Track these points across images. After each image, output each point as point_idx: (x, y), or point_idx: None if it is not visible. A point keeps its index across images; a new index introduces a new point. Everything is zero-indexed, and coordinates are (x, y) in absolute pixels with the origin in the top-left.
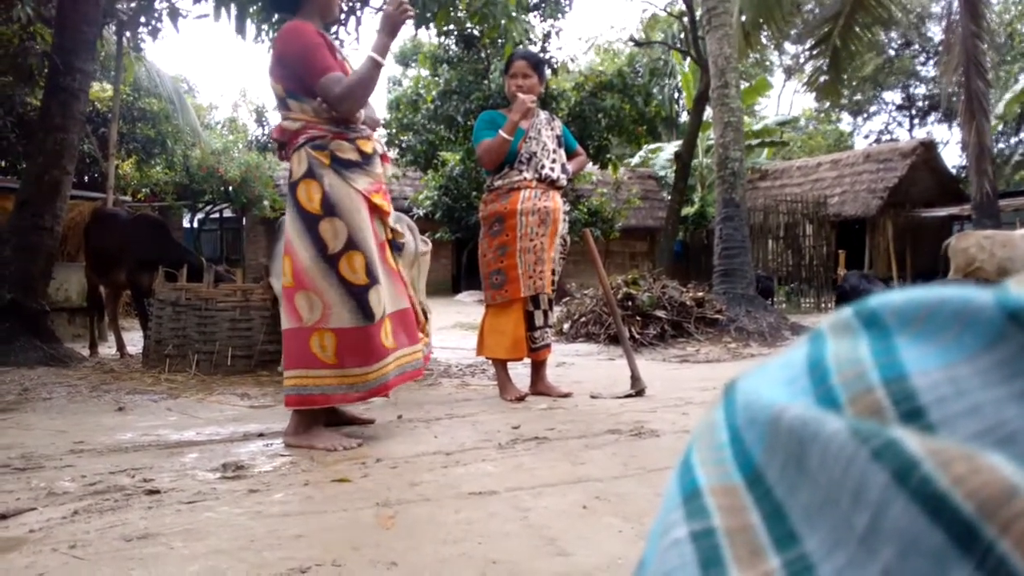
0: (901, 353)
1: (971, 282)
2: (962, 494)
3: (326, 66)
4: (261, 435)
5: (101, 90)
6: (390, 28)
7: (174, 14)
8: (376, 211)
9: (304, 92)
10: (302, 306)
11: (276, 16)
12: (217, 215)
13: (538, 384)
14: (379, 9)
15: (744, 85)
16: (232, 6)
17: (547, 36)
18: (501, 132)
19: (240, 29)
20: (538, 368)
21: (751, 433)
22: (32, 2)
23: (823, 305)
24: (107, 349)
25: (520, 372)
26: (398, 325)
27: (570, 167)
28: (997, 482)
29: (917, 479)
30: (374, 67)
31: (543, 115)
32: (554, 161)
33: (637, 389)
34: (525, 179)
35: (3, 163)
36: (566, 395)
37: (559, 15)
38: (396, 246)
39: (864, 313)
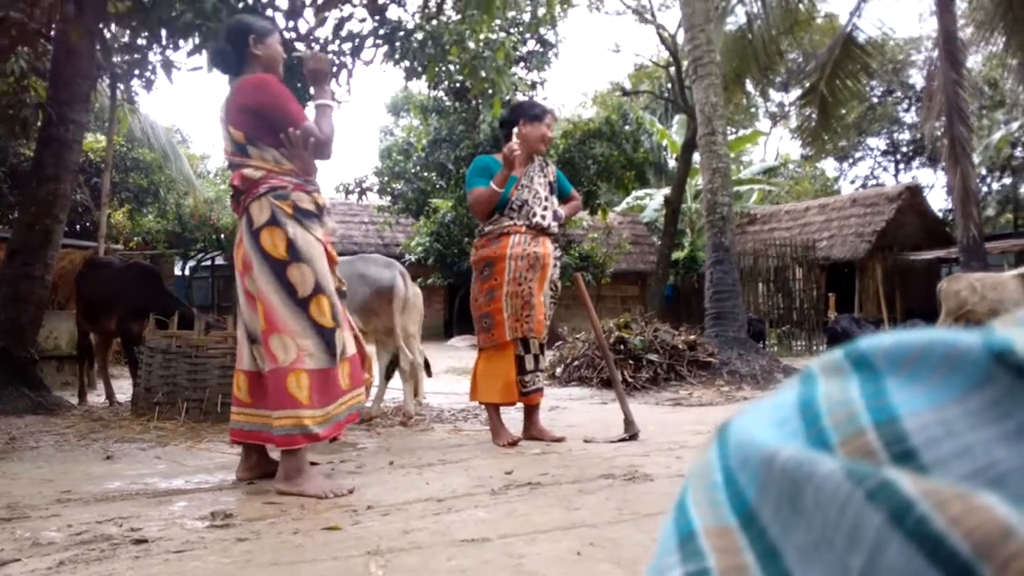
0: (891, 395)
1: (963, 325)
2: (959, 534)
3: (301, 114)
4: (251, 482)
5: (95, 141)
6: (322, 77)
7: (168, 66)
8: (330, 260)
9: (267, 140)
10: (277, 348)
11: None
12: (209, 263)
13: (531, 429)
14: (302, 65)
15: (739, 133)
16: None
17: (533, 86)
18: (492, 184)
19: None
20: (531, 413)
21: (744, 474)
22: (27, 55)
23: (815, 348)
24: (96, 397)
25: (513, 417)
26: (353, 368)
27: (563, 211)
28: (993, 522)
29: (914, 519)
30: (331, 113)
31: (536, 162)
32: (545, 208)
33: (630, 433)
34: (515, 224)
35: None
36: (559, 440)
37: (545, 66)
38: (341, 293)
39: (854, 355)
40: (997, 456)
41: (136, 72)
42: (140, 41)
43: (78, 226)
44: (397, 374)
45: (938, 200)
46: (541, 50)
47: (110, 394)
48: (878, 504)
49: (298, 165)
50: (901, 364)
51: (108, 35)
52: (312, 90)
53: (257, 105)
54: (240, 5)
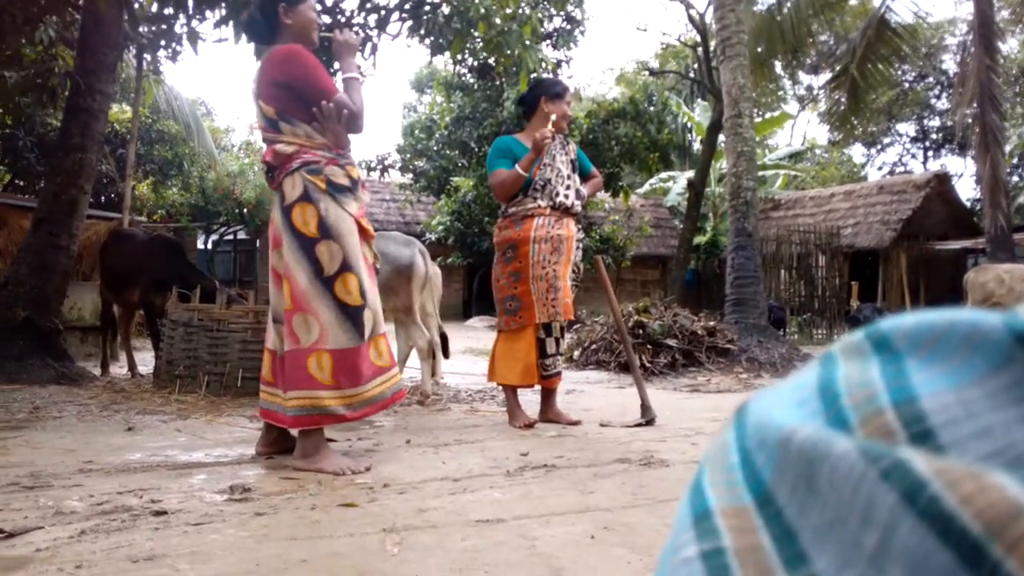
0: (911, 376)
1: None
2: (970, 514)
3: (333, 86)
4: (269, 457)
5: (120, 111)
6: (350, 51)
7: (193, 37)
8: (364, 234)
9: (298, 115)
10: (300, 327)
11: None
12: (231, 237)
13: (547, 411)
14: (330, 40)
15: (766, 116)
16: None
17: (559, 64)
18: (518, 168)
19: (259, 53)
20: (548, 395)
21: (761, 455)
22: (55, 24)
23: (836, 336)
24: (119, 368)
25: (530, 399)
26: (386, 346)
27: (585, 190)
28: (1004, 502)
29: (925, 499)
30: (361, 85)
31: (558, 140)
32: (568, 188)
33: (647, 418)
34: (539, 206)
35: (22, 182)
36: (575, 423)
37: (571, 44)
38: (375, 270)
39: (875, 336)
40: (1016, 437)
41: (162, 43)
42: (167, 11)
43: (103, 197)
44: (415, 353)
45: (967, 189)
46: (568, 27)
47: (132, 366)
48: (891, 483)
49: (331, 139)
50: (922, 345)
51: (136, 5)
52: (339, 64)
53: (287, 78)
54: None
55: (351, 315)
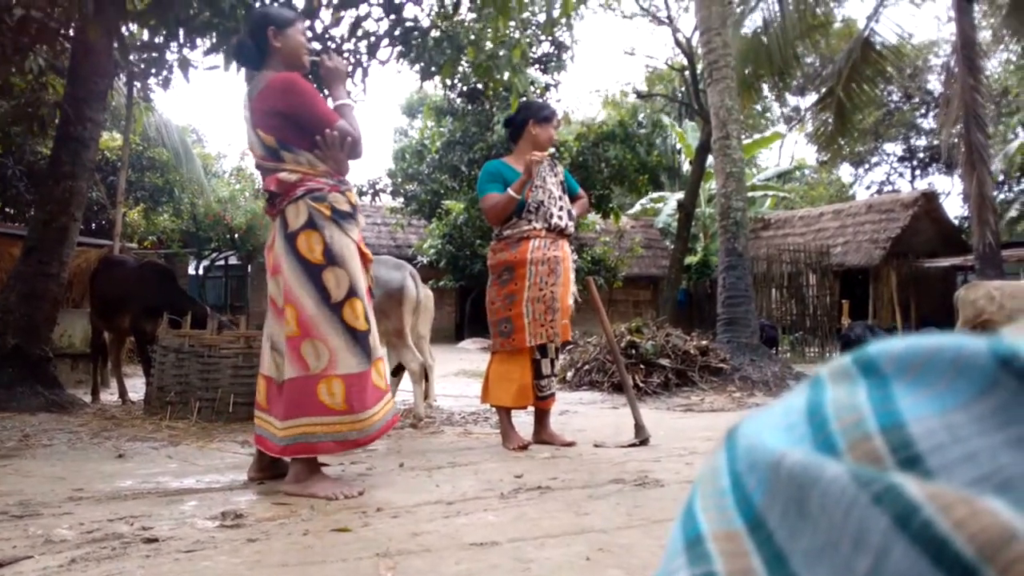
0: (898, 400)
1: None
2: (963, 538)
3: (333, 114)
4: (261, 482)
5: (111, 139)
6: (339, 78)
7: (184, 65)
8: (363, 259)
9: (299, 143)
10: (308, 354)
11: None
12: (222, 262)
13: (541, 433)
14: (318, 66)
15: (756, 137)
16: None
17: (547, 88)
18: (510, 191)
19: (250, 78)
20: (542, 417)
21: (752, 478)
22: (45, 53)
23: (828, 355)
24: (109, 395)
25: (523, 420)
26: (384, 369)
27: (575, 211)
28: (997, 526)
29: (918, 523)
30: (354, 111)
31: (546, 161)
32: (561, 208)
33: (641, 438)
34: (535, 228)
35: (12, 211)
36: (570, 444)
37: (560, 69)
38: (371, 293)
39: (862, 360)
40: (1002, 462)
41: (153, 70)
42: (157, 39)
43: (94, 224)
44: (407, 376)
45: (954, 207)
46: (556, 52)
47: (123, 392)
48: (883, 507)
49: (332, 166)
50: (909, 369)
51: (126, 33)
52: (329, 91)
53: (287, 108)
54: (256, 4)
55: (359, 340)
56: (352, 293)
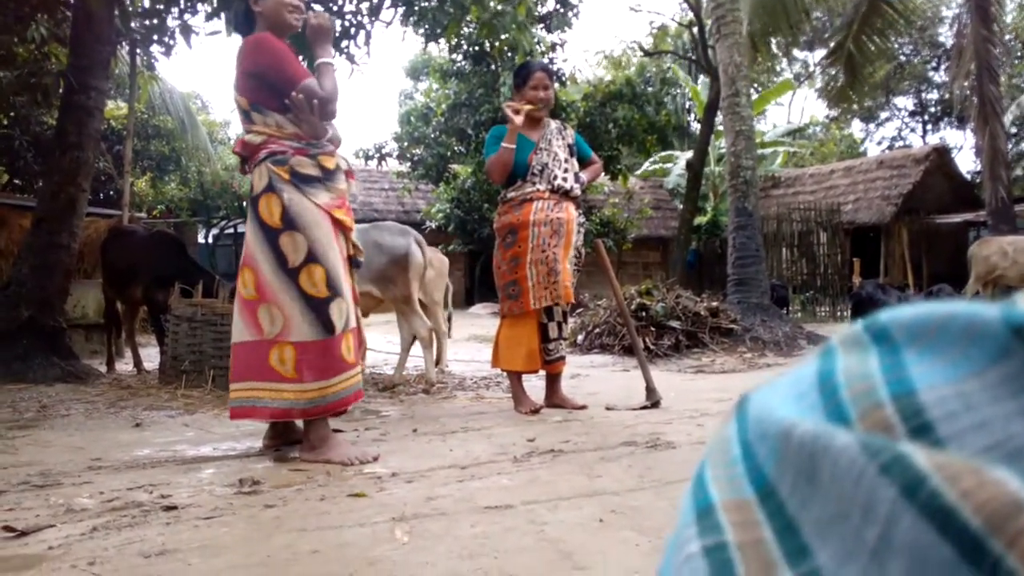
0: (910, 368)
1: (993, 289)
2: (970, 508)
3: (302, 72)
4: (277, 449)
5: (116, 108)
6: (324, 35)
7: (186, 31)
8: (339, 226)
9: (269, 104)
10: (263, 318)
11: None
12: (232, 230)
13: (553, 396)
14: (306, 25)
15: (764, 91)
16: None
17: (553, 47)
18: (503, 143)
19: None
20: (553, 380)
21: (762, 448)
22: (47, 22)
23: (839, 314)
24: (124, 365)
25: (535, 384)
26: (354, 342)
27: (584, 176)
28: (1004, 496)
29: (925, 494)
30: (334, 71)
31: (554, 125)
32: (566, 171)
33: (652, 401)
34: (538, 190)
35: (20, 182)
36: (581, 407)
37: (566, 27)
38: (355, 263)
39: (874, 328)
40: (1014, 430)
41: (155, 37)
42: (159, 6)
43: (101, 194)
44: (417, 342)
45: (967, 162)
46: (561, 10)
47: (138, 362)
48: (891, 477)
49: (306, 130)
50: (920, 337)
51: (127, 0)
52: (312, 50)
53: (255, 67)
54: None
55: (316, 307)
56: (311, 259)
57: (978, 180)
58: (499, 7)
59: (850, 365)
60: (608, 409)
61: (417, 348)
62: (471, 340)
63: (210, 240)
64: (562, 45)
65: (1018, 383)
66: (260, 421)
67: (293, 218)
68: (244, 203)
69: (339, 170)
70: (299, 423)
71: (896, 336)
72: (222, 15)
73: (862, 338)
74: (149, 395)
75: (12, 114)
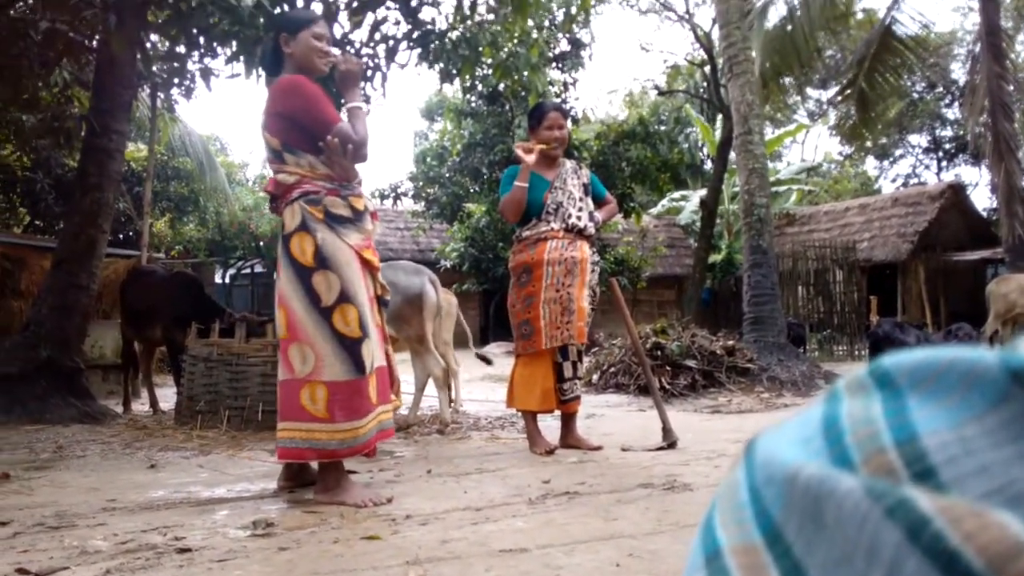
0: (912, 414)
1: (1012, 327)
2: (973, 550)
3: (335, 116)
4: (291, 491)
5: (136, 150)
6: (353, 80)
7: (206, 74)
8: (367, 266)
9: (302, 146)
10: (295, 357)
11: None
12: (249, 270)
13: (568, 437)
14: (333, 69)
15: (779, 131)
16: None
17: (566, 87)
18: (516, 182)
19: (269, 85)
20: (568, 420)
21: (769, 492)
22: (70, 67)
23: (856, 352)
24: (140, 406)
25: (550, 424)
26: (380, 382)
27: (599, 215)
28: (1006, 539)
29: (929, 536)
30: (365, 115)
31: (569, 165)
32: (580, 210)
33: (669, 441)
34: (552, 229)
35: (41, 223)
36: (597, 448)
37: (579, 67)
38: (383, 302)
39: (878, 373)
40: (1014, 475)
41: (176, 80)
42: (179, 49)
43: (121, 235)
44: (431, 382)
45: (982, 199)
46: (574, 50)
47: (154, 403)
48: (896, 520)
49: (338, 172)
50: (923, 382)
51: (148, 45)
52: (341, 93)
53: (289, 110)
54: (277, 11)
55: (349, 347)
56: (344, 299)
57: (994, 217)
58: (513, 49)
59: (854, 410)
60: (624, 450)
61: (432, 388)
62: (485, 379)
63: (227, 280)
64: (574, 84)
65: (1017, 428)
66: (308, 461)
67: (327, 257)
68: (261, 243)
69: (367, 211)
70: (314, 464)
71: (899, 381)
72: (241, 58)
73: (866, 383)
74: (164, 436)
75: (35, 157)
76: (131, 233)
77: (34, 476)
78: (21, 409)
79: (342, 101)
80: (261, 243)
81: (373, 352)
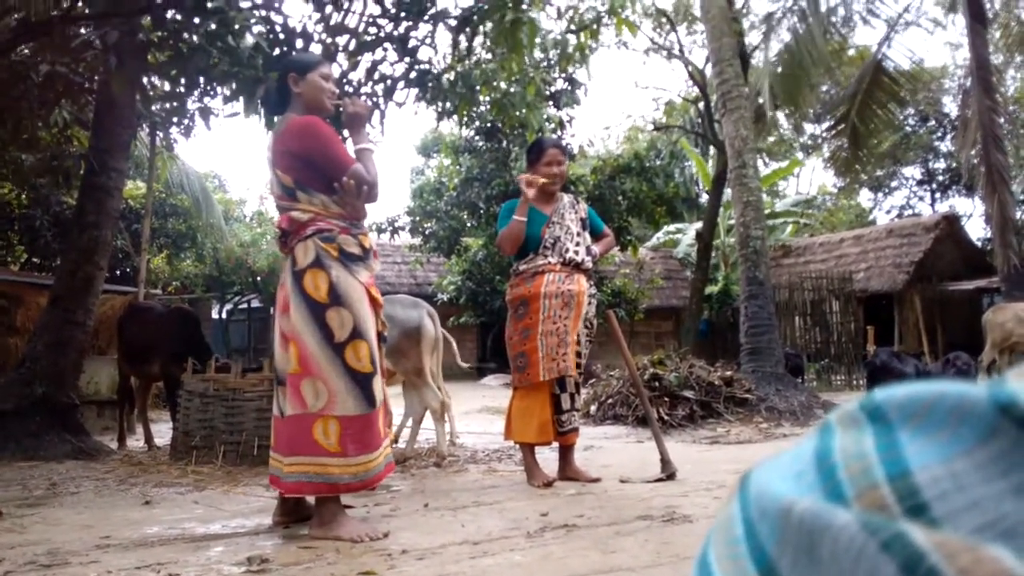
0: (904, 448)
1: (1009, 356)
2: None
3: (349, 158)
4: (287, 526)
5: (134, 187)
6: (361, 122)
7: (205, 113)
8: (373, 303)
9: (315, 185)
10: (308, 392)
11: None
12: (245, 305)
13: (566, 469)
14: (346, 113)
15: (774, 167)
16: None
17: (561, 124)
18: (514, 215)
19: (270, 124)
20: (566, 452)
21: (764, 526)
22: (70, 106)
23: (855, 382)
24: (135, 441)
25: (548, 457)
26: (385, 416)
27: (597, 248)
28: (1001, 573)
29: (925, 570)
30: (373, 155)
31: (567, 199)
32: (578, 244)
33: (667, 473)
34: (549, 263)
35: (38, 260)
36: (595, 480)
37: (574, 104)
38: (382, 338)
39: (869, 407)
40: (1005, 510)
41: (175, 120)
42: (178, 90)
43: (118, 271)
44: (428, 415)
45: (977, 229)
46: (570, 88)
47: (149, 438)
48: (891, 554)
49: (349, 211)
50: (913, 416)
51: (148, 85)
52: (349, 135)
53: (303, 151)
54: (275, 52)
55: (361, 382)
56: (356, 335)
57: (989, 247)
58: (509, 88)
59: (846, 444)
60: (622, 482)
61: (428, 421)
62: (483, 411)
63: (224, 315)
64: (570, 121)
65: (1006, 462)
66: (310, 495)
67: (341, 295)
68: (258, 278)
69: (371, 249)
70: (310, 499)
71: (890, 415)
72: (241, 98)
73: (858, 416)
74: (159, 471)
75: (33, 194)
76: (128, 269)
77: (27, 513)
78: (15, 446)
79: (346, 138)
80: (258, 278)
81: (381, 386)
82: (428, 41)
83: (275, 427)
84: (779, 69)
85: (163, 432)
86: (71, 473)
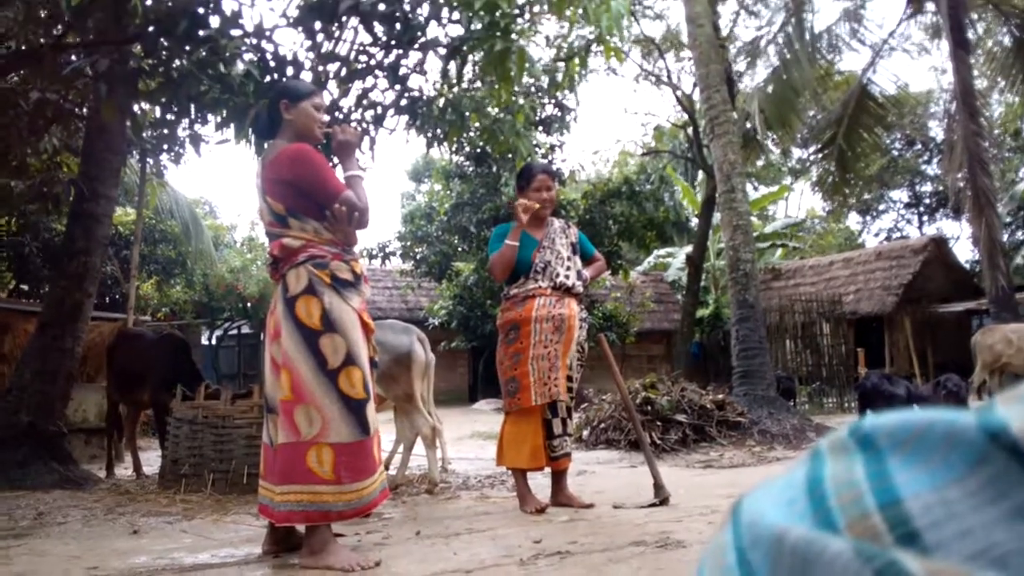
0: (894, 476)
1: (999, 377)
2: None
3: (340, 185)
4: (276, 555)
5: (124, 214)
6: (351, 149)
7: (196, 140)
8: (365, 329)
9: (307, 212)
10: (301, 419)
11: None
12: (235, 331)
13: (559, 495)
14: (330, 138)
15: (764, 191)
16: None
17: (552, 149)
18: (507, 240)
19: (260, 150)
20: (558, 478)
21: (756, 554)
22: (60, 133)
23: (846, 405)
24: (123, 470)
25: (540, 482)
26: (378, 443)
27: (587, 272)
28: None
29: None
30: (364, 182)
31: (557, 224)
32: (568, 268)
33: (661, 498)
34: (540, 287)
35: (27, 287)
36: (588, 506)
37: (564, 131)
38: (373, 363)
39: (859, 434)
40: (997, 538)
41: (165, 146)
42: (169, 116)
43: (107, 298)
44: (419, 441)
45: (965, 251)
46: (559, 114)
47: (137, 467)
48: None
49: (340, 237)
50: (903, 444)
51: (138, 112)
52: (340, 162)
53: (295, 178)
54: (266, 80)
55: (355, 409)
56: (350, 361)
57: (977, 269)
58: (499, 115)
59: (838, 472)
60: (616, 507)
61: (419, 447)
62: (474, 437)
63: (213, 341)
64: (560, 147)
65: (996, 489)
66: (300, 524)
67: (334, 321)
68: (248, 304)
69: (362, 275)
70: (300, 528)
71: (880, 442)
72: (231, 125)
73: (848, 444)
74: (148, 500)
75: (23, 221)
76: (118, 296)
77: (12, 544)
78: (1, 476)
79: (335, 164)
80: (248, 304)
81: (374, 412)
82: (418, 69)
83: (265, 456)
84: (770, 88)
85: (152, 460)
86: (58, 503)
